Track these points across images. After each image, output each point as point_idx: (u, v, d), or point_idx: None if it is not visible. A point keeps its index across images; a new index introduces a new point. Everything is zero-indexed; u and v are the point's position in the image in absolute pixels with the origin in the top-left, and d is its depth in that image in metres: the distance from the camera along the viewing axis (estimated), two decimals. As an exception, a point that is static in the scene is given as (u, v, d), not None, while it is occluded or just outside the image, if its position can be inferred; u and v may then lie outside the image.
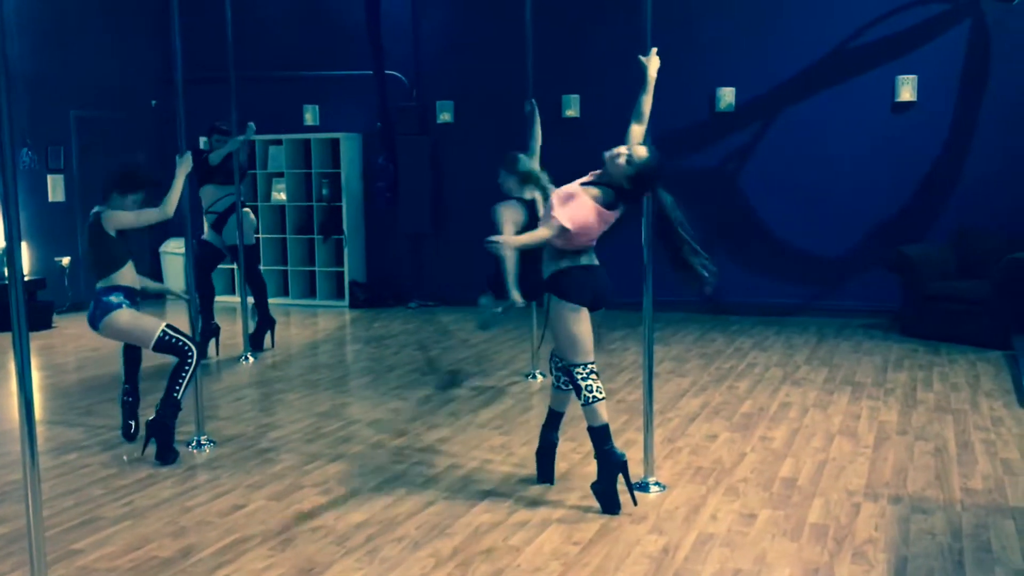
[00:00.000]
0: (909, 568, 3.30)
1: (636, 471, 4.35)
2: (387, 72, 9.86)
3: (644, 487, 4.19)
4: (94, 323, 4.86)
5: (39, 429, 5.24)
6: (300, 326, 9.06)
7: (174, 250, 10.48)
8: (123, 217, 4.87)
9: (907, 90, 8.25)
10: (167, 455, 4.76)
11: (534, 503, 4.06)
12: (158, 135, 10.57)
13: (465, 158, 9.87)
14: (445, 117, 9.94)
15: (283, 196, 10.34)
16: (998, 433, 4.91)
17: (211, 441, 5.08)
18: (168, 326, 4.86)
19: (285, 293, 10.42)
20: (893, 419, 5.25)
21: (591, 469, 4.42)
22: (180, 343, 4.86)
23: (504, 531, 3.76)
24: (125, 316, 4.84)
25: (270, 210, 10.38)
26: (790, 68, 8.64)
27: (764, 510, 3.90)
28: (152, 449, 4.79)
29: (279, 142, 10.24)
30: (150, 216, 4.89)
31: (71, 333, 8.68)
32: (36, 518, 2.98)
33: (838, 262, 8.63)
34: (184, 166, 5.01)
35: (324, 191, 10.22)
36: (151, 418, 4.80)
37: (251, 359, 7.26)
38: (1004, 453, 4.58)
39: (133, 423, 5.15)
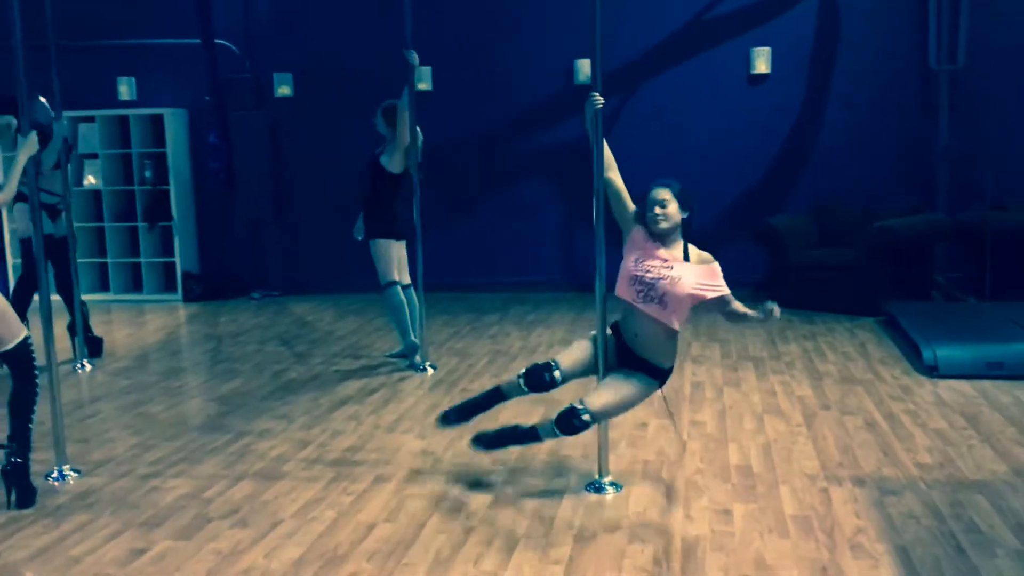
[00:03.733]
0: (913, 558, 3.16)
1: (587, 470, 4.04)
2: (216, 41, 8.98)
3: (600, 489, 3.88)
4: None
5: None
6: (132, 324, 8.12)
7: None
8: None
9: (762, 62, 8.34)
10: (29, 498, 3.97)
11: (488, 520, 3.65)
12: None
13: (307, 135, 9.16)
14: (284, 91, 9.18)
15: (94, 180, 9.24)
16: (915, 403, 4.95)
17: (75, 470, 4.31)
18: (30, 335, 4.06)
19: (106, 288, 9.35)
20: (808, 393, 5.21)
21: (531, 472, 4.09)
22: (35, 363, 4.06)
23: (469, 555, 3.34)
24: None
25: (83, 196, 9.25)
26: (648, 40, 8.53)
27: (736, 504, 3.68)
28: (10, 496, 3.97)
29: (92, 119, 9.12)
30: None
31: None
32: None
33: (698, 235, 8.58)
34: (28, 147, 4.18)
35: (147, 173, 9.23)
36: (6, 467, 3.91)
37: (87, 367, 6.38)
38: (933, 423, 4.60)
39: None
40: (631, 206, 3.95)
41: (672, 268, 3.76)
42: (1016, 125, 7.91)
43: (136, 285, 9.45)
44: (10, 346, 3.97)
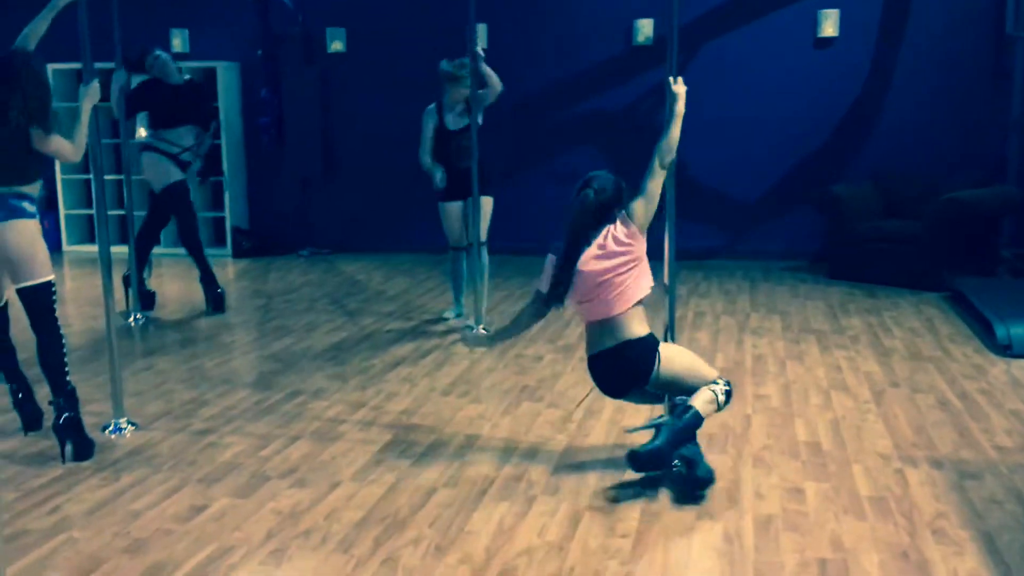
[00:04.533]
0: (999, 545, 3.03)
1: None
2: (269, -7, 8.87)
3: (664, 461, 3.77)
4: None
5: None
6: (183, 278, 8.11)
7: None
8: (63, 144, 3.93)
9: (829, 24, 8.06)
10: (85, 450, 3.94)
11: (550, 489, 3.57)
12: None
13: (358, 92, 9.05)
14: (336, 46, 9.06)
15: (144, 133, 9.20)
16: (989, 383, 4.77)
17: (132, 423, 4.30)
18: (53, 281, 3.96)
19: (158, 242, 9.32)
20: (876, 369, 5.04)
21: (593, 442, 3.99)
22: (55, 311, 3.97)
23: (533, 524, 3.26)
24: (34, 228, 3.89)
25: (136, 148, 9.21)
26: (677, 20, 8.27)
27: (807, 483, 3.56)
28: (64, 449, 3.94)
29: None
30: (65, 151, 3.96)
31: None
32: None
33: (757, 203, 8.45)
34: (90, 95, 4.11)
35: (199, 127, 9.16)
36: (57, 421, 3.87)
37: (139, 318, 6.38)
38: (1009, 404, 4.43)
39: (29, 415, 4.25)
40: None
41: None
42: (1095, 96, 7.59)
43: (186, 239, 9.43)
44: (32, 282, 3.88)
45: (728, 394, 3.56)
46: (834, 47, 8.10)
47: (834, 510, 3.32)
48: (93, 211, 7.03)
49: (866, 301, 6.72)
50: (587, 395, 4.13)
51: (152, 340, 5.90)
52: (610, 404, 4.51)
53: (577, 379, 4.95)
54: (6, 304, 4.17)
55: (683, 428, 3.45)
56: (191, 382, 5.00)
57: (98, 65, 4.28)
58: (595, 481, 3.61)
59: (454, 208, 6.14)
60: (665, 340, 3.78)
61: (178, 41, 9.30)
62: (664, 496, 3.46)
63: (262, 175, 9.40)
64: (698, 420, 3.49)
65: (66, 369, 3.96)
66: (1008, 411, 4.32)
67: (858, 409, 4.40)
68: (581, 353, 5.42)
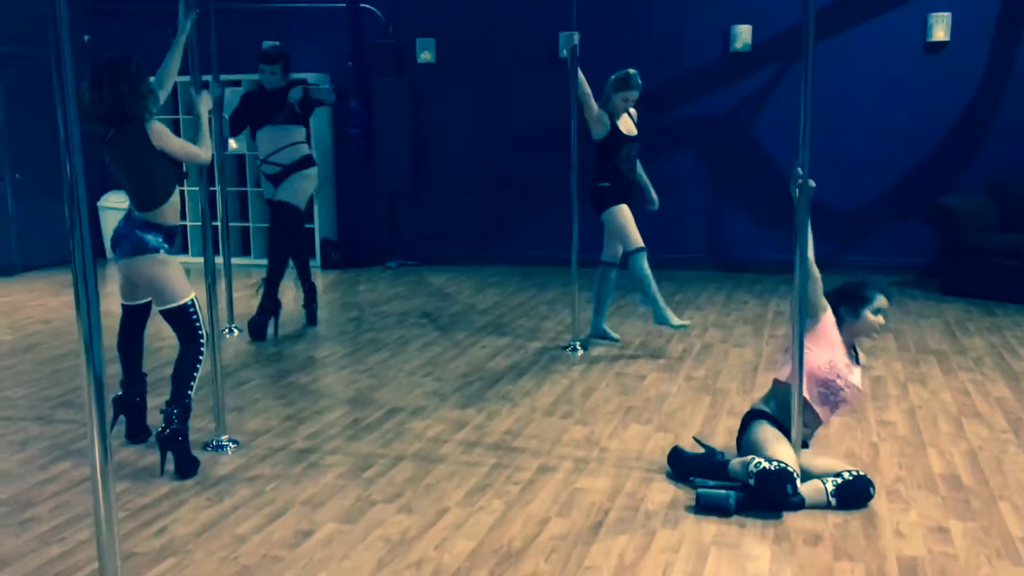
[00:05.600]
0: None
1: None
2: (361, 5, 8.86)
3: (792, 494, 3.53)
4: (121, 252, 3.96)
5: None
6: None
7: (115, 204, 9.34)
8: (169, 137, 3.92)
9: (941, 29, 7.69)
10: (189, 468, 3.88)
11: (670, 521, 3.37)
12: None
13: (448, 103, 8.98)
14: (426, 56, 9.00)
15: (235, 145, 9.29)
16: None
17: (233, 440, 4.23)
18: (196, 298, 3.99)
19: (247, 252, 9.41)
20: (1007, 395, 4.71)
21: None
22: (199, 325, 3.98)
23: (656, 561, 3.06)
24: (159, 261, 3.93)
25: (228, 160, 9.31)
26: (817, 1, 7.96)
27: (951, 521, 3.29)
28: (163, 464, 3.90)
29: (238, 83, 9.14)
30: (193, 152, 3.98)
31: (9, 301, 7.58)
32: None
33: (862, 214, 8.10)
34: (204, 103, 4.08)
35: (290, 139, 9.19)
36: (163, 431, 3.83)
37: (236, 332, 6.35)
38: None
39: (136, 423, 4.25)
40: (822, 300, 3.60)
41: (854, 375, 3.59)
42: None
43: (275, 250, 9.46)
44: (168, 306, 3.93)
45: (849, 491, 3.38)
46: (946, 52, 7.73)
47: (986, 553, 3.05)
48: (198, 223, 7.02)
49: (985, 319, 6.35)
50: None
51: (246, 354, 5.86)
52: (724, 429, 4.30)
53: (684, 400, 4.74)
54: (148, 303, 4.18)
55: (767, 502, 3.35)
56: (288, 398, 4.92)
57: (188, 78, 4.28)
58: (708, 517, 3.40)
59: (628, 209, 5.72)
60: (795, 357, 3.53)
61: (270, 53, 9.34)
62: (793, 531, 3.23)
63: (351, 187, 9.39)
64: (794, 507, 3.35)
65: (192, 384, 3.93)
66: None
67: (995, 439, 4.09)
68: (687, 372, 5.24)
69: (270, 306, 6.25)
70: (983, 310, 6.61)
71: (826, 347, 3.55)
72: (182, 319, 3.95)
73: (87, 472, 3.86)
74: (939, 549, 3.09)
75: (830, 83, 7.91)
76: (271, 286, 6.25)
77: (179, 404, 3.90)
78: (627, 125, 5.73)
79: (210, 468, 3.94)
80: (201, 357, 3.98)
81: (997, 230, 7.14)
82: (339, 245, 9.29)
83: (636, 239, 5.63)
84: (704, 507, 3.38)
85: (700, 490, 3.42)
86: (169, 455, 3.86)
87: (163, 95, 4.14)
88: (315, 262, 9.19)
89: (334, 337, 6.33)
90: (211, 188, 6.32)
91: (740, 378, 5.13)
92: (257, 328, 6.18)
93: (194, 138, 4.05)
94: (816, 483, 3.41)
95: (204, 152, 4.03)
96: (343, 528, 3.35)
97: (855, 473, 3.42)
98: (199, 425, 4.40)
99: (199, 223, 9.30)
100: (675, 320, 5.68)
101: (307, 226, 9.27)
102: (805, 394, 3.51)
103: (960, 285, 7.08)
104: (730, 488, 3.40)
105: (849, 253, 8.13)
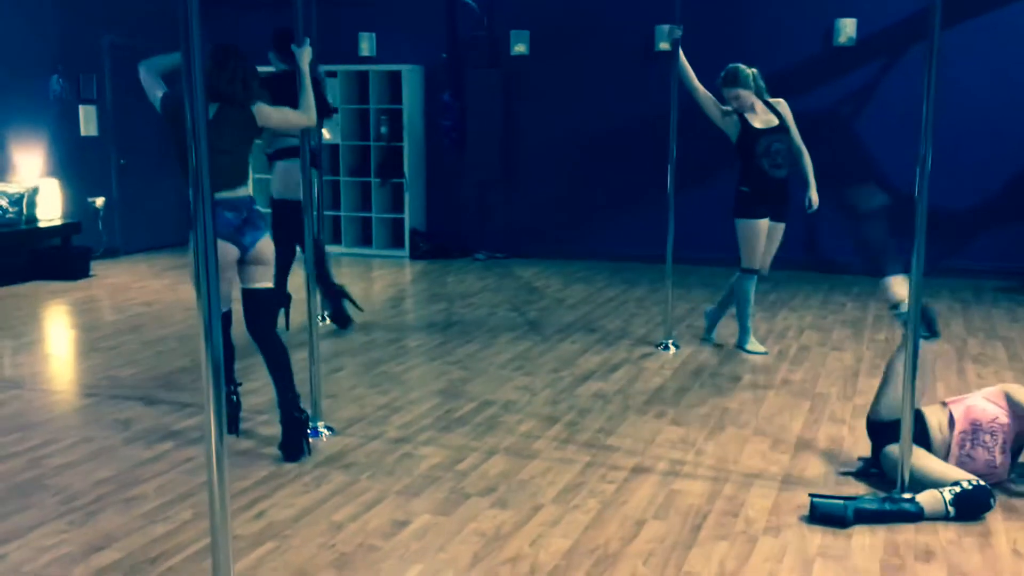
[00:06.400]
0: None
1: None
2: (456, -3, 8.89)
3: (897, 500, 3.40)
4: (253, 231, 3.97)
5: (98, 403, 4.44)
6: (364, 279, 8.22)
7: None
8: (270, 113, 4.03)
9: (1058, 23, 7.35)
10: (301, 450, 3.93)
11: (772, 529, 3.28)
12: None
13: (541, 95, 8.94)
14: (519, 49, 8.98)
15: (328, 135, 9.40)
16: None
17: (329, 427, 4.27)
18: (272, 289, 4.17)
19: (338, 240, 9.53)
20: None
21: (812, 475, 3.66)
22: (272, 317, 4.28)
23: (759, 570, 2.98)
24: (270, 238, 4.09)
25: (322, 149, 9.42)
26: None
27: (1073, 542, 3.13)
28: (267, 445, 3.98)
29: (333, 74, 9.25)
30: (294, 119, 4.10)
31: (113, 283, 7.82)
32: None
33: (966, 216, 7.79)
34: (306, 55, 4.12)
35: (383, 129, 9.30)
36: (299, 415, 3.92)
37: (327, 319, 6.42)
38: None
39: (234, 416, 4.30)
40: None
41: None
42: None
43: (366, 239, 9.59)
44: (256, 285, 4.00)
45: (968, 501, 3.28)
46: (1064, 48, 7.38)
47: (1113, 579, 2.88)
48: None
49: (1101, 330, 6.06)
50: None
51: (340, 342, 5.93)
52: (825, 436, 4.18)
53: (782, 404, 4.62)
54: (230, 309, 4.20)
55: (888, 514, 3.24)
56: (381, 387, 4.96)
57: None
58: (821, 524, 3.29)
59: (763, 226, 5.40)
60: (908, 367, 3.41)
61: (366, 45, 9.45)
62: (904, 545, 3.11)
63: (441, 178, 9.43)
64: (913, 518, 3.24)
65: (290, 371, 3.99)
66: None
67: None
68: (783, 375, 5.11)
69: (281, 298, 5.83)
70: (1099, 320, 6.31)
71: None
72: (262, 302, 4.01)
73: (190, 452, 3.96)
74: (1061, 572, 2.94)
75: (941, 79, 7.59)
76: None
77: (292, 385, 3.96)
78: (763, 118, 5.36)
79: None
80: (282, 344, 4.04)
81: (1116, 237, 6.79)
82: (428, 235, 9.34)
83: (752, 259, 5.40)
84: (820, 517, 3.26)
85: (815, 500, 3.30)
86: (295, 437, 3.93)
87: (309, 119, 4.14)
88: (404, 252, 9.27)
89: (424, 328, 6.35)
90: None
91: (840, 383, 4.98)
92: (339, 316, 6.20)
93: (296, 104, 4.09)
94: (934, 492, 3.28)
95: (307, 117, 4.09)
96: (438, 520, 3.35)
97: (974, 483, 3.28)
98: (295, 411, 4.46)
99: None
100: (755, 347, 5.54)
101: (393, 215, 9.37)
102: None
103: (1073, 293, 6.76)
104: (847, 499, 3.28)
105: (951, 257, 7.84)
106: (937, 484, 3.33)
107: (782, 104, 5.43)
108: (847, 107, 8.00)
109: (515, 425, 4.35)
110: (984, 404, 3.54)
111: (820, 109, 8.08)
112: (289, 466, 3.84)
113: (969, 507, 3.25)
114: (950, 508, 3.25)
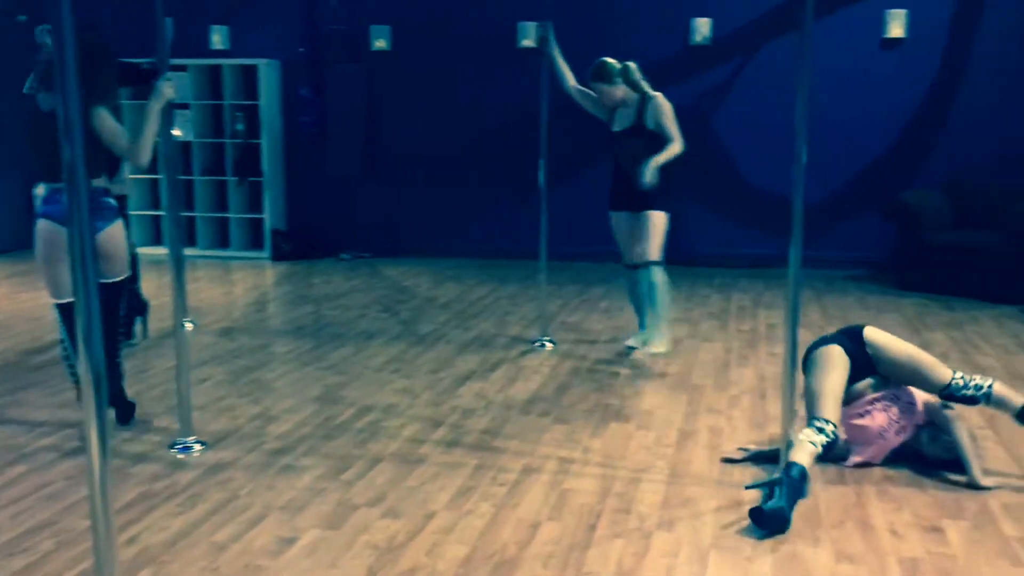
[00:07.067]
0: None
1: (752, 469, 3.67)
2: (314, -11, 8.64)
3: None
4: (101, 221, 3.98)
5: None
6: (224, 282, 7.89)
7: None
8: (104, 126, 3.87)
9: (897, 25, 7.78)
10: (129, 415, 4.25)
11: (665, 524, 3.30)
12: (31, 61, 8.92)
13: (403, 91, 8.80)
14: (380, 44, 8.81)
15: (179, 132, 8.96)
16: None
17: (200, 442, 4.04)
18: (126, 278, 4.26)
19: (193, 243, 9.11)
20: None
21: (698, 470, 3.72)
22: (121, 307, 4.26)
23: (656, 566, 2.98)
24: (121, 228, 4.11)
25: (172, 147, 8.96)
26: (772, -1, 8.02)
27: (944, 520, 3.28)
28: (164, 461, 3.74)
29: (183, 68, 8.82)
30: (121, 144, 3.93)
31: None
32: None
33: (818, 209, 8.12)
34: (162, 97, 3.88)
35: (239, 126, 8.94)
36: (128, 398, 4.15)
37: (191, 325, 6.11)
38: None
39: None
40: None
41: None
42: None
43: (223, 241, 9.21)
44: (112, 279, 4.05)
45: (820, 431, 3.51)
46: (902, 48, 7.82)
47: (985, 555, 3.04)
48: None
49: (944, 315, 6.44)
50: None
51: (205, 349, 5.64)
52: (705, 428, 4.26)
53: (661, 398, 4.69)
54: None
55: (797, 485, 3.28)
56: (253, 396, 4.74)
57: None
58: (712, 515, 3.34)
59: (618, 219, 5.41)
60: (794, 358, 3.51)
61: (218, 38, 9.07)
62: (792, 533, 3.19)
63: (302, 176, 9.16)
64: (805, 475, 3.33)
65: (120, 351, 4.23)
66: None
67: (967, 434, 4.10)
68: (660, 368, 5.18)
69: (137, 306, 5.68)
70: (941, 305, 6.71)
71: None
72: (113, 295, 4.05)
73: (47, 477, 3.66)
74: (938, 551, 3.06)
75: (787, 79, 7.91)
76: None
77: (118, 368, 4.20)
78: (622, 120, 5.32)
79: (178, 471, 3.76)
80: (120, 334, 4.25)
81: (952, 227, 7.24)
82: (290, 235, 9.05)
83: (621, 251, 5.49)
84: (767, 521, 3.16)
85: (758, 508, 3.19)
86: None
87: (141, 160, 3.94)
88: (264, 253, 8.96)
89: (292, 332, 6.13)
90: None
91: (714, 374, 5.09)
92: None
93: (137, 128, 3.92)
94: (807, 446, 3.43)
95: (135, 156, 3.92)
96: (327, 534, 3.21)
97: (831, 435, 3.53)
98: (162, 425, 4.22)
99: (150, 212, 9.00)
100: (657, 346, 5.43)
101: (252, 215, 9.03)
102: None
103: (916, 280, 7.17)
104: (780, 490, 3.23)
105: (807, 248, 8.15)
106: (813, 404, 3.59)
107: (657, 99, 5.26)
108: (705, 103, 8.22)
109: (398, 430, 4.24)
110: (919, 393, 3.76)
111: (679, 106, 8.25)
112: (160, 486, 3.60)
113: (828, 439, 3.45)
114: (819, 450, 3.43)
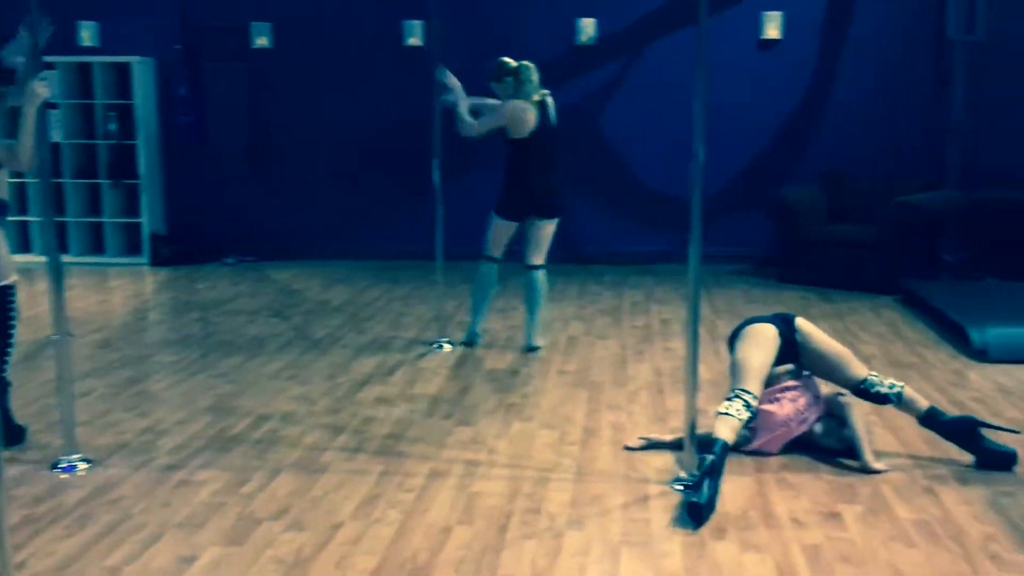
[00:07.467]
0: (1061, 569, 2.92)
1: (662, 466, 3.72)
2: (190, -16, 8.33)
3: (689, 486, 3.55)
4: None
5: None
6: (101, 290, 7.53)
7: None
8: None
9: (773, 27, 8.04)
10: (17, 437, 4.02)
11: (575, 523, 3.31)
12: None
13: (288, 90, 8.59)
14: (262, 42, 8.56)
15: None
16: (979, 391, 4.73)
17: (85, 459, 3.83)
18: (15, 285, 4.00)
19: (64, 249, 8.65)
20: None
21: (603, 467, 3.75)
22: (12, 314, 3.97)
23: (569, 565, 2.98)
24: (2, 236, 3.91)
25: (46, 149, 8.50)
26: (654, 0, 8.16)
27: (840, 505, 3.40)
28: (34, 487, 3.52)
29: (52, 66, 8.36)
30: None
31: None
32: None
33: (706, 204, 8.33)
34: (36, 95, 3.66)
35: (112, 126, 8.55)
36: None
37: (71, 336, 5.79)
38: (1008, 412, 4.38)
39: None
40: None
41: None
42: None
43: (98, 247, 8.79)
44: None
45: (747, 406, 3.63)
46: (778, 49, 8.09)
47: (880, 537, 3.16)
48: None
49: (823, 305, 6.69)
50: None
51: (85, 360, 5.36)
52: (607, 424, 4.29)
53: (561, 396, 4.71)
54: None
55: (720, 463, 3.40)
56: (140, 409, 4.53)
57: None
58: (620, 511, 3.37)
59: (510, 225, 5.51)
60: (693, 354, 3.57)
61: (87, 35, 8.65)
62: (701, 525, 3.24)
63: (182, 178, 8.83)
64: (727, 450, 3.44)
65: (6, 359, 3.99)
66: (1010, 420, 4.27)
67: (861, 421, 4.27)
68: (558, 366, 5.21)
69: None
70: (820, 297, 6.97)
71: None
72: (6, 299, 3.91)
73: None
74: (837, 535, 3.17)
75: (669, 79, 8.09)
76: None
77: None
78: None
79: (63, 492, 3.55)
80: (11, 342, 3.97)
81: (827, 220, 7.54)
82: (170, 240, 8.71)
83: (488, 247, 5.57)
84: (706, 514, 3.22)
85: (703, 498, 3.22)
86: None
87: (27, 165, 3.79)
88: (143, 259, 8.60)
89: (178, 341, 5.89)
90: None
91: (611, 371, 5.15)
92: None
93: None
94: (729, 421, 3.56)
95: (22, 160, 3.75)
96: (229, 551, 3.08)
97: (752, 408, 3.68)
98: (43, 441, 4.01)
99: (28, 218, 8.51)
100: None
101: (128, 219, 8.63)
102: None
103: (796, 273, 7.43)
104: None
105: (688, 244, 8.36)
106: (740, 376, 3.72)
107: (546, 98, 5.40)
108: (591, 103, 8.32)
109: (298, 438, 4.12)
110: (824, 387, 3.93)
111: (566, 104, 8.31)
112: (43, 508, 3.40)
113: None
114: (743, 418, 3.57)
